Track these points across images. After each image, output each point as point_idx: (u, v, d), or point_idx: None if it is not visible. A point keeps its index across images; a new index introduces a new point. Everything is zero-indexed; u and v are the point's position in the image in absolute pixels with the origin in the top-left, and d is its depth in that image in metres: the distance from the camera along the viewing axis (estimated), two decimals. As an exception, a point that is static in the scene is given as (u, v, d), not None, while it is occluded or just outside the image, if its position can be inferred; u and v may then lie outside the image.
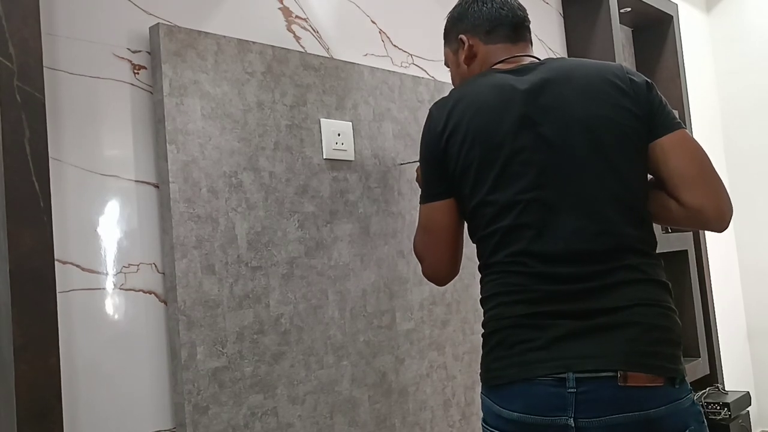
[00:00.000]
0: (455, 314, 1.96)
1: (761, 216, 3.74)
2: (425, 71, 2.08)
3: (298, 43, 1.73)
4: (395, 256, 1.81)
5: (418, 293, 1.85)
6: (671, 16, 3.11)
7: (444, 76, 2.10)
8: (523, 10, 1.45)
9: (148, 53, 1.43)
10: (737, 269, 4.00)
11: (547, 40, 2.64)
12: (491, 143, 1.27)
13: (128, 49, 1.40)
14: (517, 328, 1.21)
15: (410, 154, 1.89)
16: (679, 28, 3.14)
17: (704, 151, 1.25)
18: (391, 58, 1.98)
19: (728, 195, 1.24)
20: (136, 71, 1.41)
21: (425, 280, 1.77)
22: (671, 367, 1.16)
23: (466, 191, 1.32)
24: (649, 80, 1.28)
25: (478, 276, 1.81)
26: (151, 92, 1.42)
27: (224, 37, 1.50)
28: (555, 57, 1.35)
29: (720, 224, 1.25)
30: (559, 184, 1.23)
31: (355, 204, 1.73)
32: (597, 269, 1.19)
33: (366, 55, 1.90)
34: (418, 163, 1.78)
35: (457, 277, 1.47)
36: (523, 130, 1.25)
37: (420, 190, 1.76)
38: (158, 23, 1.40)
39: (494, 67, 1.38)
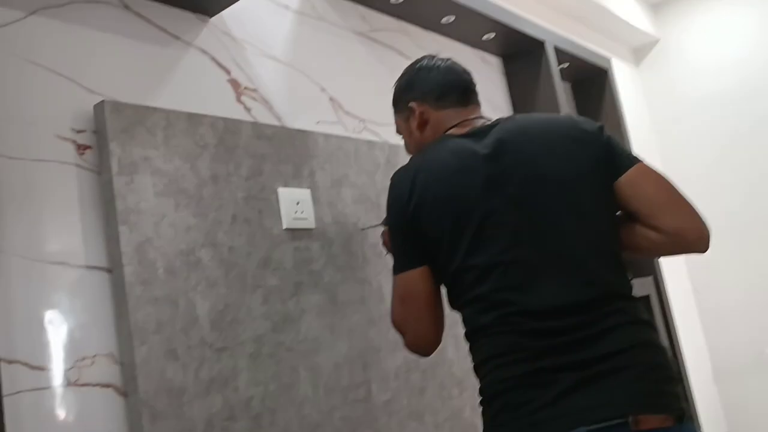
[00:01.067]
0: (431, 380, 1.88)
1: (715, 257, 3.80)
2: (378, 135, 2.06)
3: (249, 113, 1.69)
4: (365, 324, 1.74)
5: (392, 361, 1.77)
6: (606, 70, 3.21)
7: (397, 139, 2.09)
8: (469, 73, 1.47)
9: (94, 132, 1.36)
10: (696, 312, 4.03)
11: (493, 98, 2.67)
12: (460, 210, 1.25)
13: (72, 128, 1.34)
14: (520, 389, 1.15)
15: (371, 218, 1.84)
16: (614, 80, 3.24)
17: (668, 178, 1.26)
18: (344, 125, 1.96)
19: (702, 215, 1.23)
20: (81, 152, 1.34)
21: (399, 346, 1.70)
22: (678, 405, 1.12)
23: (441, 259, 1.29)
24: (598, 123, 1.30)
25: (452, 337, 1.75)
26: (98, 173, 1.35)
27: (173, 111, 1.45)
28: (505, 117, 1.36)
29: (702, 244, 1.24)
30: (535, 242, 1.21)
31: (320, 273, 1.66)
32: (588, 318, 1.16)
33: (318, 122, 1.87)
34: (382, 227, 1.75)
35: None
36: (491, 193, 1.24)
37: (386, 253, 1.73)
38: (103, 101, 1.34)
39: (448, 132, 1.38)
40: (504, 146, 1.26)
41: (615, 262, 1.22)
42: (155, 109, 1.42)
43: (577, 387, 1.12)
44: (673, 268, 3.68)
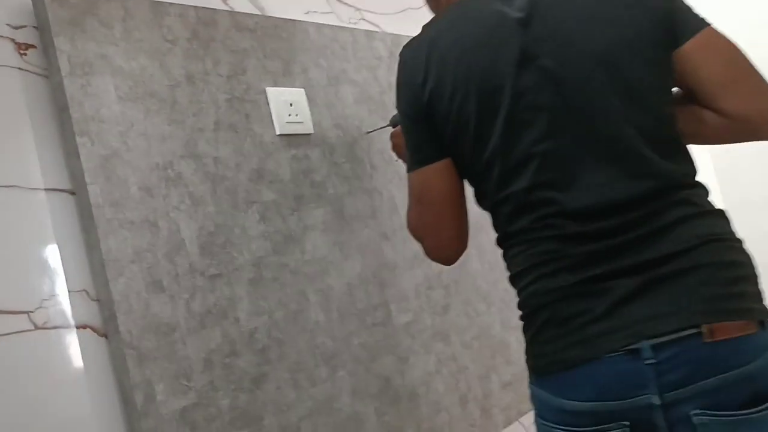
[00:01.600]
0: (455, 296, 1.69)
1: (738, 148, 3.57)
2: (377, 26, 1.80)
3: (225, 2, 1.44)
4: (378, 239, 1.53)
5: (410, 278, 1.58)
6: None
7: (399, 29, 1.84)
8: None
9: (36, 28, 1.12)
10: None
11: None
12: (488, 88, 1.00)
13: (8, 25, 1.10)
14: (567, 300, 0.95)
15: (376, 120, 1.61)
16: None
17: (738, 48, 1.01)
18: (338, 15, 1.70)
19: None
20: (22, 51, 1.10)
21: (418, 262, 1.51)
22: (760, 307, 0.92)
23: (465, 150, 1.06)
24: None
25: (475, 247, 1.55)
26: (46, 75, 1.12)
27: (132, -2, 1.21)
28: None
29: (762, 129, 1.00)
30: (576, 128, 0.98)
31: (323, 185, 1.44)
32: (642, 214, 0.94)
33: (308, 12, 1.62)
34: (390, 128, 1.52)
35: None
36: (525, 67, 0.99)
37: (396, 159, 1.51)
38: (42, -14, 1.10)
39: None
40: (541, 9, 1.00)
41: (672, 146, 0.99)
42: (109, -3, 1.17)
43: (635, 295, 0.91)
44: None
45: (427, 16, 1.88)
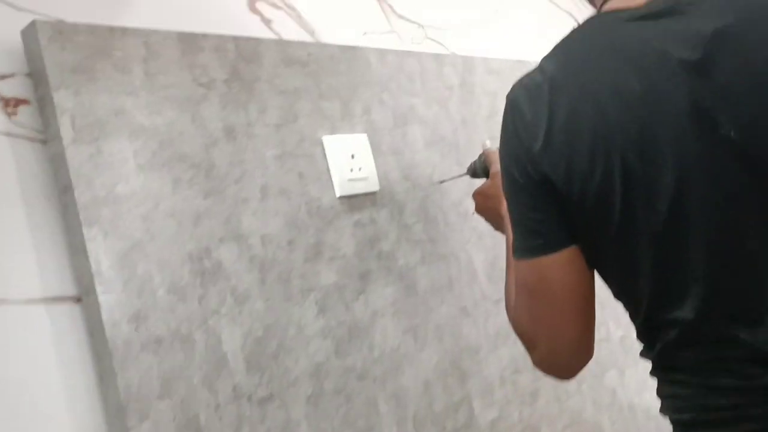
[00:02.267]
0: (543, 378, 1.39)
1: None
2: (443, 45, 1.50)
3: (269, 28, 1.14)
4: (458, 316, 1.24)
5: (495, 362, 1.29)
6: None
7: (468, 46, 1.54)
8: None
9: (28, 76, 0.83)
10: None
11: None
12: (643, 159, 0.70)
13: (-10, 73, 0.81)
14: None
15: (449, 164, 1.32)
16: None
17: None
18: (399, 35, 1.40)
19: None
20: (10, 110, 0.82)
21: (502, 339, 1.22)
22: None
23: (604, 243, 0.76)
24: None
25: None
26: (43, 141, 0.83)
27: (155, 31, 0.91)
28: None
29: None
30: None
31: (392, 255, 1.15)
32: None
33: (365, 34, 1.32)
34: (468, 176, 1.24)
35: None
36: (697, 132, 0.68)
37: (473, 212, 1.20)
38: (33, 20, 0.80)
39: (610, 6, 0.78)
40: (723, 44, 0.68)
41: None
42: (125, 31, 0.88)
43: None
44: None
45: (497, 22, 1.55)
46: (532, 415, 1.33)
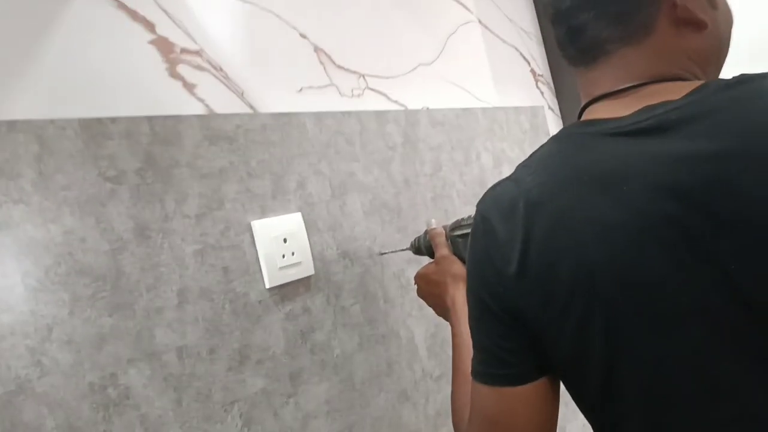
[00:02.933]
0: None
1: None
2: (385, 95, 1.40)
3: (193, 94, 1.02)
4: (396, 402, 1.16)
5: (434, 447, 1.21)
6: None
7: (412, 95, 1.44)
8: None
9: None
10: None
11: (515, 16, 2.00)
12: (632, 295, 0.62)
13: None
14: None
15: (391, 232, 1.23)
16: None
17: None
18: (338, 87, 1.29)
19: None
20: None
21: (441, 419, 1.15)
22: None
23: (582, 382, 0.69)
24: None
25: None
26: None
27: (52, 121, 0.78)
28: (709, 86, 0.67)
29: None
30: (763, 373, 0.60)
31: (327, 346, 1.06)
32: None
33: (301, 90, 1.21)
34: (411, 252, 1.15)
35: None
36: (692, 267, 0.60)
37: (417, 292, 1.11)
38: None
39: (594, 114, 0.70)
40: (720, 171, 0.58)
41: None
42: (12, 124, 0.75)
43: None
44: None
45: (444, 71, 1.48)
46: (473, 500, 1.26)
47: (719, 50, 0.72)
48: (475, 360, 0.75)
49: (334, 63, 1.29)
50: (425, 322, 1.25)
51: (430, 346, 1.25)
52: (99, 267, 0.79)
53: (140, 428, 0.79)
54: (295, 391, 0.99)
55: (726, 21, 0.72)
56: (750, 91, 0.61)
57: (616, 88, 0.69)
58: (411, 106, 1.44)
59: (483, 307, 0.72)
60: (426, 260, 1.19)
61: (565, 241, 0.64)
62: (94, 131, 0.82)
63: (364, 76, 1.36)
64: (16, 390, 0.70)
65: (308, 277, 1.05)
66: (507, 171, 1.59)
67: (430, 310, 1.26)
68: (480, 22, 1.79)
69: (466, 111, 1.52)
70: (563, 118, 2.08)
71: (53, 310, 0.74)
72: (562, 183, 0.66)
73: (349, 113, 1.21)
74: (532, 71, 2.00)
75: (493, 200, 0.71)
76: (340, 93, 1.29)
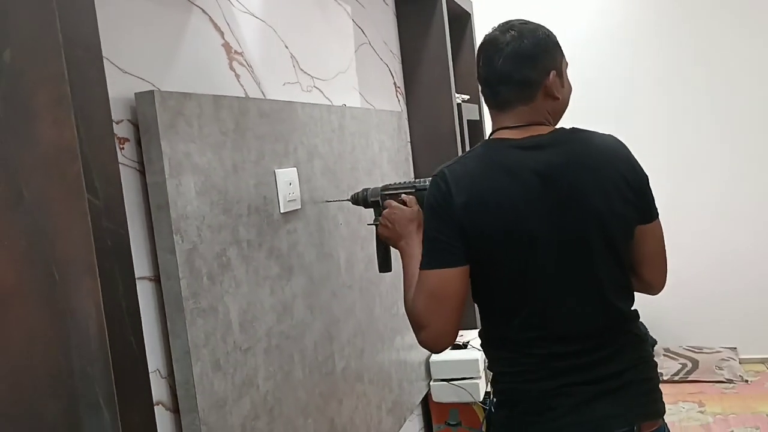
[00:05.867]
0: (368, 341, 2.01)
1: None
2: (321, 91, 2.01)
3: (239, 81, 1.56)
4: (330, 298, 1.79)
5: (346, 329, 1.86)
6: (469, 14, 3.37)
7: (336, 92, 2.07)
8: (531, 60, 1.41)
9: (131, 122, 1.19)
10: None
11: (388, 40, 2.69)
12: (514, 222, 1.32)
13: (111, 120, 1.16)
14: (545, 400, 1.35)
15: (332, 188, 1.85)
16: (474, 24, 3.42)
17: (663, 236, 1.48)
18: (301, 84, 1.88)
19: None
20: (121, 146, 1.17)
21: (352, 314, 1.80)
22: (663, 410, 1.42)
23: (486, 264, 1.35)
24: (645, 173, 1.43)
25: (378, 296, 1.82)
26: (139, 170, 1.20)
27: (203, 95, 1.31)
28: (561, 133, 1.40)
29: (658, 292, 1.52)
30: (574, 272, 1.35)
31: (303, 255, 1.66)
32: (603, 340, 1.37)
33: (284, 84, 1.78)
34: (349, 202, 1.78)
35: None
36: (544, 214, 1.33)
37: (383, 240, 1.69)
38: (152, 90, 1.17)
39: (501, 135, 1.39)
40: (564, 171, 1.32)
41: (630, 293, 1.44)
42: (190, 96, 1.27)
43: (594, 399, 1.35)
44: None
45: (351, 79, 2.15)
46: (360, 366, 1.94)
47: (563, 108, 1.46)
48: (428, 257, 1.39)
49: (300, 67, 1.88)
50: (347, 250, 1.89)
51: (348, 265, 1.90)
52: (220, 183, 1.33)
53: (234, 283, 1.35)
54: (290, 278, 1.58)
55: (568, 92, 1.46)
56: (578, 135, 1.38)
57: (514, 125, 1.40)
58: (336, 103, 2.06)
59: (443, 223, 1.34)
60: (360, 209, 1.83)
61: (490, 197, 1.34)
62: (218, 102, 1.35)
63: (313, 78, 1.96)
64: (193, 248, 1.24)
65: (297, 210, 1.64)
66: (385, 154, 2.28)
67: (348, 242, 1.90)
68: (369, 43, 2.46)
69: (366, 110, 2.18)
70: (411, 120, 2.81)
71: (203, 206, 1.28)
72: (488, 166, 1.36)
73: (316, 105, 1.81)
74: (395, 83, 2.71)
75: (449, 170, 1.37)
76: (302, 88, 1.89)
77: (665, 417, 1.44)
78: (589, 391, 1.35)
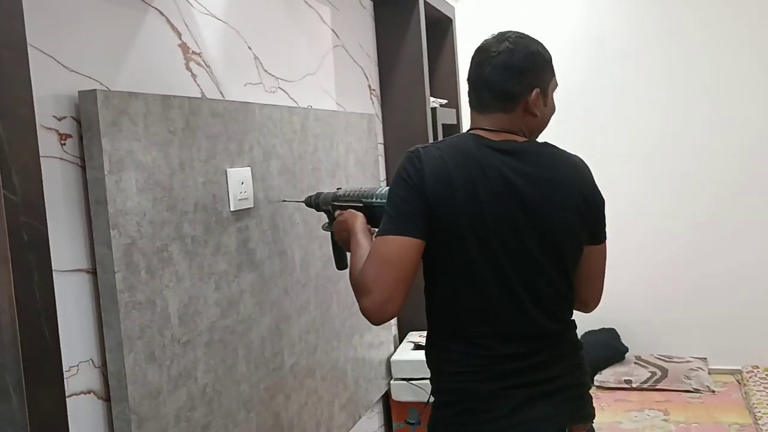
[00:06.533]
0: (321, 337, 2.05)
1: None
2: (286, 92, 2.05)
3: (196, 81, 1.60)
4: (282, 295, 1.83)
5: (297, 326, 1.91)
6: (450, 19, 3.40)
7: (303, 94, 2.11)
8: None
9: (74, 119, 1.23)
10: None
11: (364, 43, 2.73)
12: (474, 215, 1.35)
13: (54, 116, 1.20)
14: (485, 401, 1.39)
15: (290, 189, 1.89)
16: (455, 29, 3.46)
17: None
18: (264, 84, 1.92)
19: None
20: (62, 141, 1.22)
21: (304, 312, 1.84)
22: (593, 411, 1.48)
23: (442, 249, 1.38)
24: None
25: (335, 293, 1.87)
26: (80, 166, 1.24)
27: (151, 95, 1.35)
28: (533, 144, 1.47)
29: (591, 311, 1.58)
30: (520, 276, 1.39)
31: (254, 252, 1.70)
32: (545, 345, 1.42)
33: (246, 85, 1.83)
34: (303, 204, 1.82)
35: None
36: (502, 216, 1.36)
37: (336, 238, 1.72)
38: (95, 89, 1.21)
39: (480, 134, 1.43)
40: (530, 178, 1.37)
41: (571, 305, 1.49)
42: (136, 95, 1.31)
43: (529, 402, 1.39)
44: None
45: (320, 81, 2.19)
46: (312, 362, 1.99)
47: (540, 127, 1.49)
48: (390, 224, 1.35)
49: (263, 68, 1.92)
50: (300, 248, 1.93)
51: (302, 263, 1.94)
52: (164, 180, 1.38)
53: (175, 280, 1.39)
54: (238, 274, 1.63)
55: (550, 112, 1.49)
56: (548, 149, 1.44)
57: (491, 128, 1.44)
58: (302, 104, 2.10)
59: (412, 194, 1.35)
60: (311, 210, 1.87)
61: (457, 184, 1.35)
62: (166, 102, 1.39)
63: (277, 78, 2.00)
64: (131, 243, 1.28)
65: (249, 208, 1.69)
66: (351, 156, 2.32)
67: (304, 241, 1.95)
68: (343, 46, 2.49)
69: (334, 113, 2.22)
70: (384, 122, 2.85)
71: (145, 204, 1.32)
72: (460, 158, 1.37)
73: (276, 106, 1.85)
74: (369, 86, 2.75)
75: (424, 151, 1.39)
76: (265, 89, 1.93)
77: (595, 421, 1.51)
78: (526, 394, 1.39)
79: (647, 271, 4.12)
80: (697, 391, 3.82)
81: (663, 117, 4.06)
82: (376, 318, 1.35)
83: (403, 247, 1.34)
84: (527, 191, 1.37)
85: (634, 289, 4.06)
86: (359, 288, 1.36)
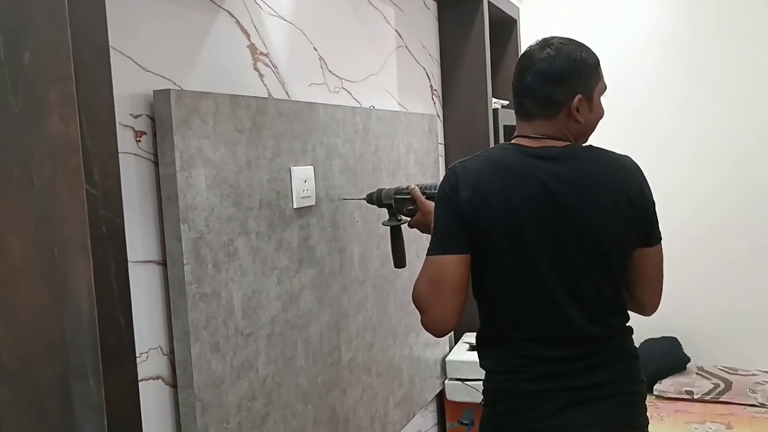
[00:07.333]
0: (378, 335, 2.08)
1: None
2: (350, 93, 2.08)
3: (262, 81, 1.65)
4: (341, 291, 1.87)
5: (355, 323, 1.94)
6: (515, 20, 3.39)
7: (366, 94, 2.14)
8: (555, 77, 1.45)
9: (149, 117, 1.29)
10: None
11: (427, 44, 2.74)
12: (511, 223, 1.37)
13: (131, 114, 1.26)
14: (528, 401, 1.40)
15: (350, 186, 1.92)
16: (520, 29, 3.44)
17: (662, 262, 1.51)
18: (328, 85, 1.96)
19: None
20: (138, 138, 1.27)
21: (362, 308, 1.87)
22: (645, 421, 1.45)
23: (484, 259, 1.40)
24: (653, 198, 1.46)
25: (392, 293, 1.89)
26: (153, 162, 1.30)
27: (220, 95, 1.40)
28: (575, 147, 1.46)
29: (650, 314, 1.55)
30: (561, 281, 1.39)
31: (314, 248, 1.74)
32: (590, 350, 1.41)
33: (310, 85, 1.87)
34: (364, 201, 1.85)
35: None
36: (541, 222, 1.37)
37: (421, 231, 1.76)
38: (168, 89, 1.27)
39: (520, 142, 1.45)
40: (570, 186, 1.37)
41: (622, 309, 1.47)
42: (207, 95, 1.37)
43: (573, 406, 1.39)
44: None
45: (383, 81, 2.21)
46: (368, 358, 2.02)
47: (586, 132, 1.49)
48: (433, 243, 1.43)
49: (327, 68, 1.96)
50: (360, 246, 1.97)
51: (361, 260, 1.97)
52: (231, 178, 1.43)
53: (240, 271, 1.44)
54: (299, 270, 1.67)
55: (596, 117, 1.49)
56: (591, 152, 1.43)
57: (533, 135, 1.44)
58: (364, 104, 2.14)
59: (449, 212, 1.40)
60: (373, 207, 1.90)
61: (492, 195, 1.38)
62: (235, 102, 1.44)
63: (342, 79, 2.04)
64: (199, 237, 1.33)
65: (311, 206, 1.73)
66: (412, 156, 2.35)
67: (364, 238, 1.98)
68: (406, 46, 2.52)
69: (396, 113, 2.25)
70: (445, 123, 2.86)
71: (214, 198, 1.37)
72: (496, 168, 1.40)
73: (339, 107, 1.89)
74: (431, 86, 2.77)
75: (461, 165, 1.43)
76: (329, 89, 1.96)
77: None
78: (568, 398, 1.39)
79: (711, 278, 4.01)
80: (762, 405, 3.71)
81: (733, 121, 3.95)
82: (436, 333, 1.46)
83: (447, 266, 1.39)
84: (564, 195, 1.37)
85: (697, 296, 3.96)
86: (416, 305, 1.45)
